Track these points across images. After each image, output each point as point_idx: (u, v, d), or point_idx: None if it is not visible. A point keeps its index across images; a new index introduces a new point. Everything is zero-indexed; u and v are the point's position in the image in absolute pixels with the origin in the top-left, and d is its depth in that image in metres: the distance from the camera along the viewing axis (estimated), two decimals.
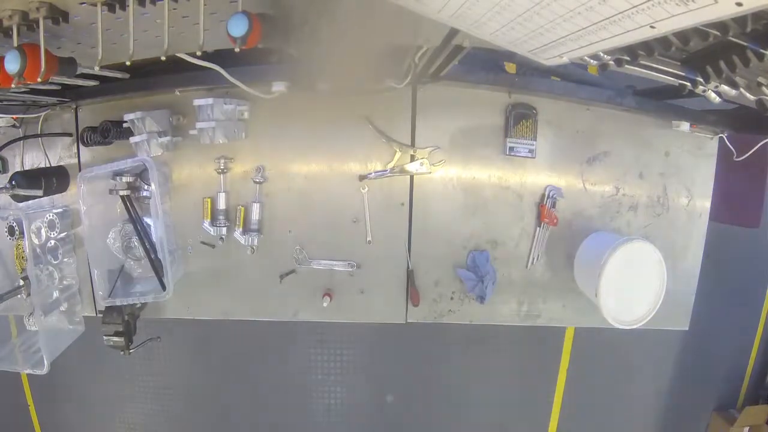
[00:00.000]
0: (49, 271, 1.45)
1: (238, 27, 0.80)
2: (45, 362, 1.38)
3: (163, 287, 1.35)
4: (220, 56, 1.09)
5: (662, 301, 1.39)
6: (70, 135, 1.46)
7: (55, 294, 1.46)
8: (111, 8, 0.87)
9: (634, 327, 1.39)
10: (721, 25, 0.52)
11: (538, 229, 1.49)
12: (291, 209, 1.45)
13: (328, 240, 1.47)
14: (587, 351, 3.06)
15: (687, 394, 3.30)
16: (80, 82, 1.16)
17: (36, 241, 1.43)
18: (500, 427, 3.18)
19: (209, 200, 1.43)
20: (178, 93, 1.38)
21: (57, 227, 1.44)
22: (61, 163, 1.48)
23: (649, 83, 1.17)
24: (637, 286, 1.38)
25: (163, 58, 0.91)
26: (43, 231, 1.44)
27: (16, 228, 1.43)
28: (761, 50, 0.72)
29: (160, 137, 1.32)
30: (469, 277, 1.47)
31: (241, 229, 1.44)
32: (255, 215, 1.43)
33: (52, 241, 1.45)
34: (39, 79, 0.90)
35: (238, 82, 1.19)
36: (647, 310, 1.39)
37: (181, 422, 3.13)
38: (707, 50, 0.84)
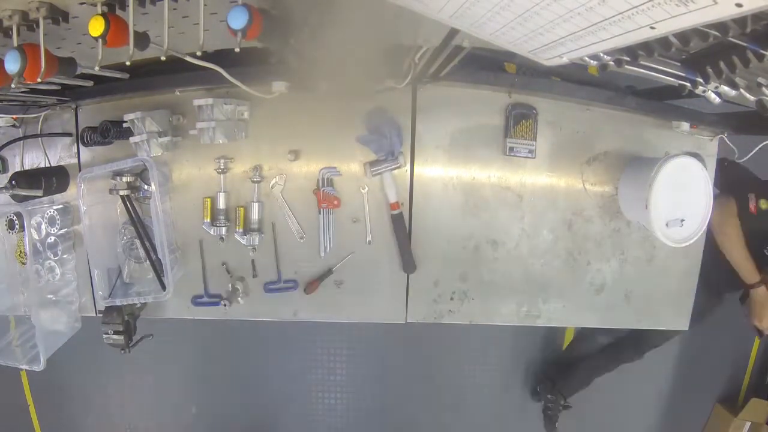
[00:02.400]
0: (50, 266, 1.45)
1: (239, 19, 0.80)
2: (41, 358, 1.38)
3: (163, 287, 1.35)
4: (220, 56, 1.09)
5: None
6: (70, 135, 1.46)
7: (54, 290, 1.46)
8: (111, 8, 0.87)
9: (683, 246, 1.40)
10: (721, 26, 0.52)
11: (320, 216, 1.44)
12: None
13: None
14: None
15: (687, 393, 3.30)
16: (80, 82, 1.16)
17: (36, 236, 1.43)
18: (500, 426, 3.17)
19: (209, 200, 1.43)
20: (178, 93, 1.38)
21: (57, 223, 1.44)
22: (61, 163, 1.48)
23: (649, 83, 1.17)
24: (685, 204, 1.37)
25: (163, 58, 0.91)
26: (43, 226, 1.44)
27: (16, 222, 1.43)
28: (761, 51, 0.72)
29: (160, 137, 1.32)
30: (370, 139, 1.40)
31: (241, 229, 1.43)
32: (255, 214, 1.43)
33: (52, 237, 1.45)
34: (39, 79, 0.90)
35: (238, 82, 1.19)
36: (695, 228, 1.39)
37: (181, 422, 3.13)
38: (707, 51, 0.84)
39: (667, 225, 1.36)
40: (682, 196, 1.36)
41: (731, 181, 1.72)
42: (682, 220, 1.37)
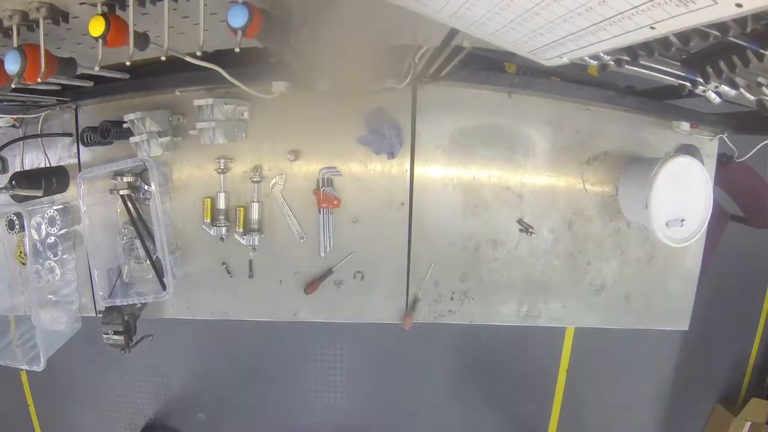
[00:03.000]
0: (50, 266, 1.45)
1: (238, 17, 0.80)
2: (41, 358, 1.38)
3: (163, 287, 1.35)
4: (220, 56, 1.09)
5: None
6: (70, 135, 1.46)
7: (54, 290, 1.46)
8: (111, 8, 0.87)
9: (683, 245, 1.40)
10: (721, 26, 0.52)
11: (320, 216, 1.44)
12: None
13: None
14: (587, 351, 3.06)
15: (686, 394, 3.30)
16: (80, 82, 1.16)
17: (36, 236, 1.43)
18: (500, 427, 3.18)
19: (209, 200, 1.43)
20: (178, 93, 1.38)
21: (57, 223, 1.44)
22: (61, 163, 1.48)
23: (649, 83, 1.17)
24: (685, 204, 1.37)
25: (163, 58, 0.91)
26: (43, 226, 1.44)
27: (16, 222, 1.43)
28: (761, 50, 0.72)
29: (160, 137, 1.32)
30: (371, 140, 1.40)
31: (241, 229, 1.43)
32: (255, 214, 1.43)
33: (52, 238, 1.45)
34: (39, 79, 0.90)
35: (238, 82, 1.19)
36: (695, 228, 1.39)
37: (180, 422, 3.13)
38: (707, 50, 0.84)
39: (667, 225, 1.36)
40: (682, 196, 1.36)
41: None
42: (682, 220, 1.37)
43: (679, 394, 3.28)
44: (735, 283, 3.10)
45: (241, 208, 1.43)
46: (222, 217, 1.43)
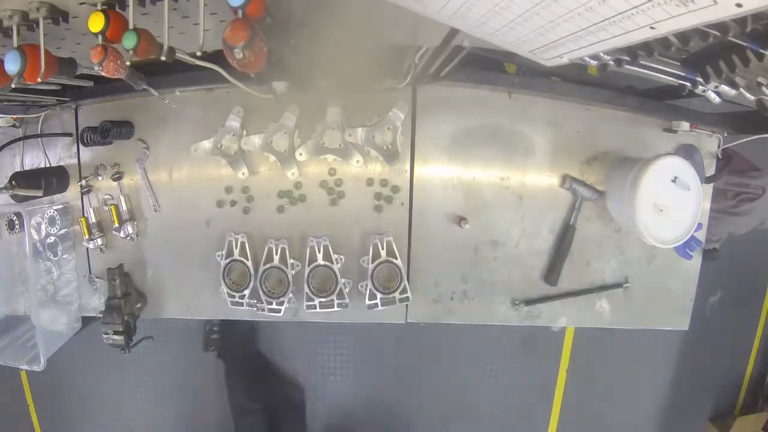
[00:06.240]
0: (48, 266, 1.45)
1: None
2: (41, 359, 1.38)
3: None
4: (220, 56, 1.09)
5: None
6: (70, 135, 1.46)
7: (54, 290, 1.46)
8: (111, 8, 0.87)
9: (671, 246, 1.38)
10: (721, 26, 0.52)
11: None
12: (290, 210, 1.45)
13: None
14: (587, 351, 3.06)
15: (685, 399, 3.30)
16: (80, 82, 1.16)
17: (36, 236, 1.43)
18: (500, 427, 3.17)
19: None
20: (178, 93, 1.38)
21: (57, 223, 1.44)
22: (61, 163, 1.48)
23: (649, 83, 1.17)
24: (673, 205, 1.34)
25: (163, 58, 0.91)
26: (43, 226, 1.44)
27: (16, 222, 1.43)
28: (761, 50, 0.72)
29: None
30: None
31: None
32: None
33: (52, 238, 1.45)
34: (39, 79, 0.90)
35: (237, 82, 1.19)
36: (685, 229, 1.36)
37: (181, 422, 3.13)
38: (707, 50, 0.84)
39: (654, 227, 1.33)
40: (670, 197, 1.33)
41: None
42: (670, 221, 1.34)
43: (677, 399, 3.28)
44: (735, 284, 3.11)
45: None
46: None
